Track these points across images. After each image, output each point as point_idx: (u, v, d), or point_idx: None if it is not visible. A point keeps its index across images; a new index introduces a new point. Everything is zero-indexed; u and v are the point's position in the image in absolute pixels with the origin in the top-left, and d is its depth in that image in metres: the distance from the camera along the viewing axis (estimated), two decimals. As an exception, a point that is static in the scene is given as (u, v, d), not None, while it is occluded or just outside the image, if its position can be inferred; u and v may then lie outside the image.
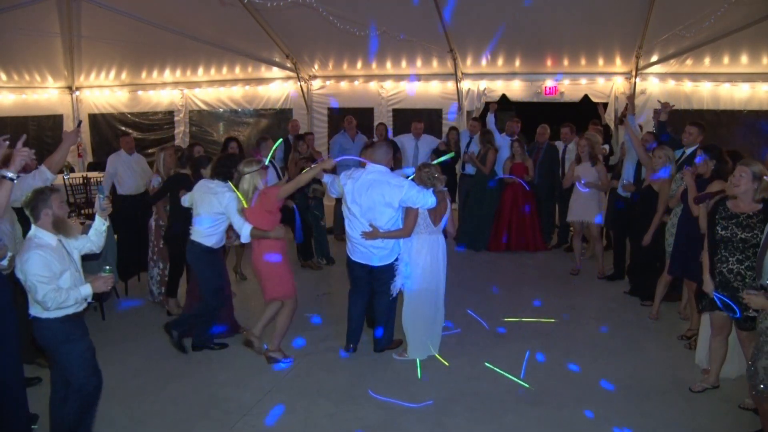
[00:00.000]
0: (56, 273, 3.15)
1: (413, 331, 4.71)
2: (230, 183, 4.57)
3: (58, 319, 3.21)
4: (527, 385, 4.30)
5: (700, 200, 4.43)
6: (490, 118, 8.28)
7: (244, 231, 4.44)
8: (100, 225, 3.61)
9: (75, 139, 4.41)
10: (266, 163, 4.83)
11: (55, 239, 3.24)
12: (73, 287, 3.20)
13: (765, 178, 3.69)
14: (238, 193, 4.52)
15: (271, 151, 5.48)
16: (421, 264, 4.58)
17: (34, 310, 3.20)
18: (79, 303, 3.26)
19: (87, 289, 3.24)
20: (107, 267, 3.39)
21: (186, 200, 4.98)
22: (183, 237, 5.19)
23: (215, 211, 4.59)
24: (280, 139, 5.94)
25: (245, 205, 4.50)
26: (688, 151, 5.76)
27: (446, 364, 4.66)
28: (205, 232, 4.67)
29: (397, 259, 4.68)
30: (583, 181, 6.62)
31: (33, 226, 3.22)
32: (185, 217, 5.19)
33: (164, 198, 5.58)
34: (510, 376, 4.41)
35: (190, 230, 4.78)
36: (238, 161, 4.71)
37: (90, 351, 3.38)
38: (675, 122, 9.02)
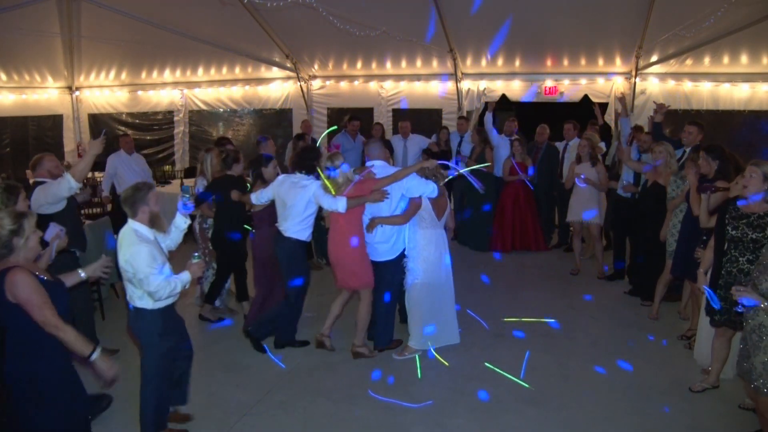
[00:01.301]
0: (161, 265, 3.29)
1: (415, 322, 4.77)
2: (321, 174, 4.60)
3: (160, 311, 3.38)
4: (527, 385, 4.30)
5: (702, 190, 4.46)
6: (488, 117, 8.28)
7: (341, 203, 4.46)
8: (181, 223, 3.71)
9: (100, 148, 4.43)
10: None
11: (152, 234, 3.39)
12: (175, 276, 3.34)
13: None
14: (327, 183, 4.55)
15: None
16: (429, 258, 4.68)
17: (141, 303, 3.33)
18: (176, 294, 3.40)
19: (186, 275, 3.40)
20: (196, 254, 3.57)
21: (264, 197, 4.94)
22: (232, 240, 5.21)
23: (303, 203, 4.64)
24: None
25: (333, 193, 4.54)
26: (689, 150, 5.76)
27: (446, 364, 4.66)
28: (298, 227, 4.71)
29: (403, 256, 4.76)
30: (582, 176, 6.62)
31: (130, 221, 3.36)
32: (234, 219, 5.22)
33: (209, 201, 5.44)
34: (510, 376, 4.42)
35: (280, 228, 4.79)
36: (318, 154, 4.81)
37: (172, 351, 3.54)
38: (675, 122, 9.05)
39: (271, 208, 5.08)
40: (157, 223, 3.42)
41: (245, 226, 5.30)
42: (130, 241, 3.27)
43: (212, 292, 5.59)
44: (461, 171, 5.25)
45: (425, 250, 4.69)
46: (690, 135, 5.78)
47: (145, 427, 3.53)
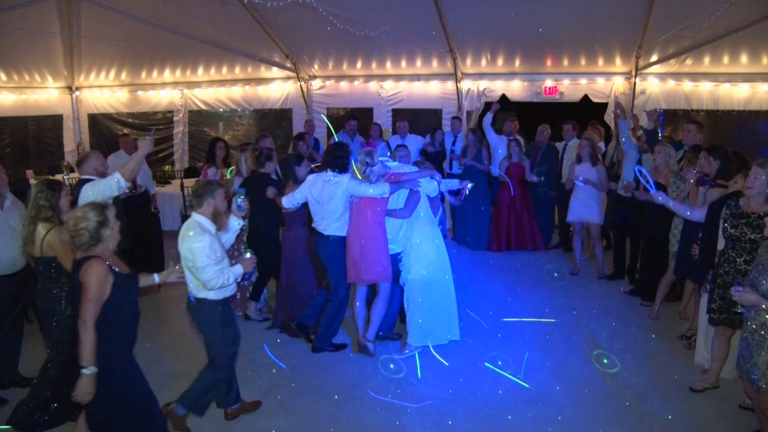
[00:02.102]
0: (219, 257, 3.47)
1: (414, 319, 4.80)
2: (355, 169, 4.65)
3: (219, 302, 3.56)
4: (527, 386, 4.30)
5: (701, 183, 4.49)
6: (488, 118, 8.30)
7: (386, 187, 4.53)
8: (235, 224, 3.84)
9: (150, 147, 4.48)
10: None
11: (213, 228, 3.57)
12: (228, 268, 3.53)
13: None
14: (360, 177, 4.62)
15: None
16: (428, 254, 4.76)
17: (203, 293, 3.51)
18: (232, 286, 3.58)
19: (239, 269, 3.56)
20: (248, 250, 3.73)
21: (297, 199, 4.88)
22: (268, 237, 5.27)
23: (341, 200, 4.66)
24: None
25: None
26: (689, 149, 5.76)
27: (446, 364, 4.66)
28: (337, 223, 4.73)
29: (400, 253, 4.85)
30: (581, 177, 6.62)
31: (194, 213, 3.55)
32: (269, 217, 5.26)
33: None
34: (510, 376, 4.41)
35: (318, 228, 4.81)
36: (349, 151, 4.87)
37: (236, 337, 3.75)
38: (675, 122, 9.05)
39: (303, 209, 5.09)
40: (218, 219, 3.62)
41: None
42: (193, 232, 3.44)
43: (257, 290, 5.58)
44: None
45: (422, 246, 4.75)
46: (689, 133, 5.79)
47: (188, 402, 3.69)
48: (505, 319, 5.50)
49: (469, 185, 5.31)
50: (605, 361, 4.64)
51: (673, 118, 9.08)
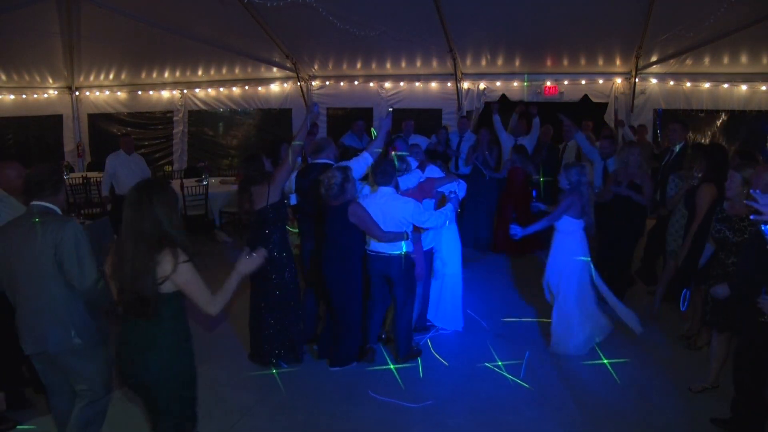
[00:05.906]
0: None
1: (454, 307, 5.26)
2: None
3: (410, 252, 4.47)
4: (527, 385, 4.31)
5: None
6: (496, 119, 8.30)
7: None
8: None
9: (389, 125, 4.90)
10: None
11: None
12: (442, 209, 4.48)
13: None
14: None
15: None
16: (456, 248, 5.15)
17: (405, 249, 4.37)
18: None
19: (450, 207, 4.47)
20: (452, 191, 4.58)
21: None
22: None
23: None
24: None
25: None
26: (676, 149, 5.76)
27: (446, 364, 4.67)
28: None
29: (432, 249, 5.10)
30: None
31: (382, 187, 4.37)
32: None
33: None
34: (510, 376, 4.42)
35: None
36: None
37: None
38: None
39: None
40: (397, 188, 4.50)
41: None
42: (402, 199, 4.35)
43: None
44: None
45: (453, 243, 5.09)
46: (675, 133, 5.81)
47: (404, 341, 4.58)
48: (505, 319, 5.51)
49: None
50: (605, 361, 4.65)
51: (672, 118, 9.08)
